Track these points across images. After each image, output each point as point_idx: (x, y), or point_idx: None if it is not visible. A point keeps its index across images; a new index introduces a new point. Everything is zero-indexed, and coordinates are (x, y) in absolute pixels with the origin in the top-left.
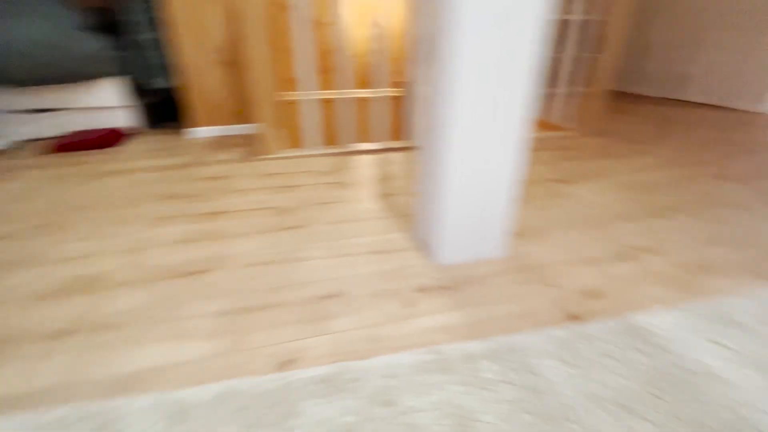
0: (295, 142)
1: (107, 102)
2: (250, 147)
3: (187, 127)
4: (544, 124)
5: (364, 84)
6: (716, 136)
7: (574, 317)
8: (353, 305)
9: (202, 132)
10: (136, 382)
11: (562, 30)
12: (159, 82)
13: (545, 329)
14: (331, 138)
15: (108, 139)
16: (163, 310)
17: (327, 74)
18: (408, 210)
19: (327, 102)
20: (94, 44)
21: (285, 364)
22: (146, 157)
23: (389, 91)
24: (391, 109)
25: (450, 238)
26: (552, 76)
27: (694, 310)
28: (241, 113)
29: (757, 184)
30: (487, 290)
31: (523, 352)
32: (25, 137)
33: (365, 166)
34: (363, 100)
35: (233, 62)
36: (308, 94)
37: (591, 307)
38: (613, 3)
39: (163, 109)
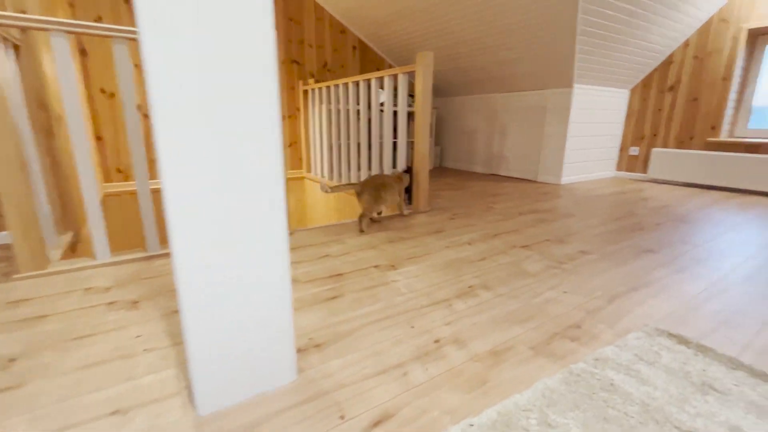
0: (83, 249)
1: None
2: (6, 263)
3: None
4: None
5: None
6: (526, 206)
7: None
8: None
9: None
10: None
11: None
12: None
13: None
14: (132, 240)
15: None
16: None
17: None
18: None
19: (116, 196)
20: None
21: None
22: None
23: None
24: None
25: (208, 375)
26: (378, 160)
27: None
28: None
29: (541, 248)
30: None
31: None
32: None
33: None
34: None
35: None
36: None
37: None
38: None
39: None
